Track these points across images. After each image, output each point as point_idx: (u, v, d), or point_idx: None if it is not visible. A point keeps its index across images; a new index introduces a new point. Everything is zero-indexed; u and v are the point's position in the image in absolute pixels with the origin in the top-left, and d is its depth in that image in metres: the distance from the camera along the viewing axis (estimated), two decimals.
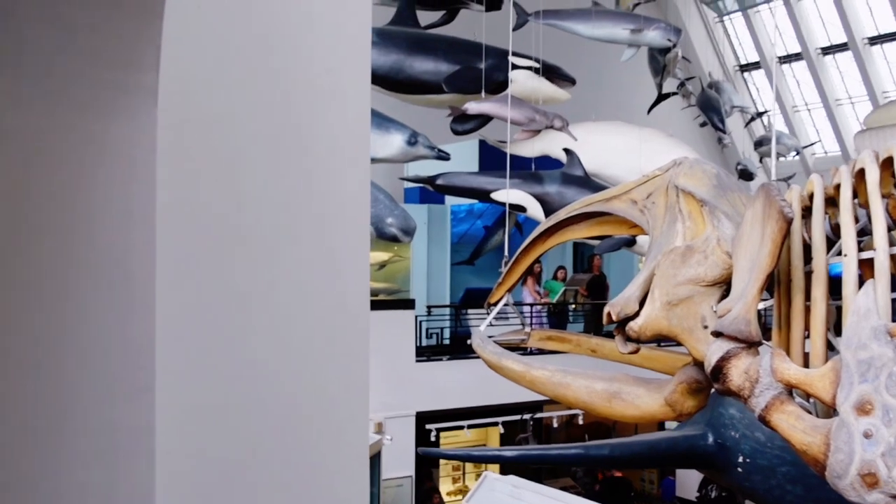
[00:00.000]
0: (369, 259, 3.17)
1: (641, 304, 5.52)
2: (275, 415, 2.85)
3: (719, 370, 4.94)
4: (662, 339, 5.84)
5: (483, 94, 16.80)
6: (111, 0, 2.52)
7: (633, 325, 5.49)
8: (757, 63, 34.10)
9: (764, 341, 5.03)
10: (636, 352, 5.76)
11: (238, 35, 2.87)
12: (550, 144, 18.26)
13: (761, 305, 5.11)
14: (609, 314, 5.58)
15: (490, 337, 7.04)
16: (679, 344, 5.52)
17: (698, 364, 5.35)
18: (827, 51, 31.73)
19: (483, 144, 20.79)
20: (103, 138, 2.62)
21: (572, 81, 18.46)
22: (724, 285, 5.36)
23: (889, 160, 4.92)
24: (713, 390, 5.36)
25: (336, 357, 2.99)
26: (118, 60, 2.58)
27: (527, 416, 19.30)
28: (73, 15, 2.51)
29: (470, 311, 19.87)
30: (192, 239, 2.74)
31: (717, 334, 5.00)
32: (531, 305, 20.93)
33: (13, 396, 2.58)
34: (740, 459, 8.90)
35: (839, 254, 4.96)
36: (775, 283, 5.23)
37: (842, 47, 31.00)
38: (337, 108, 3.08)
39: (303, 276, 2.93)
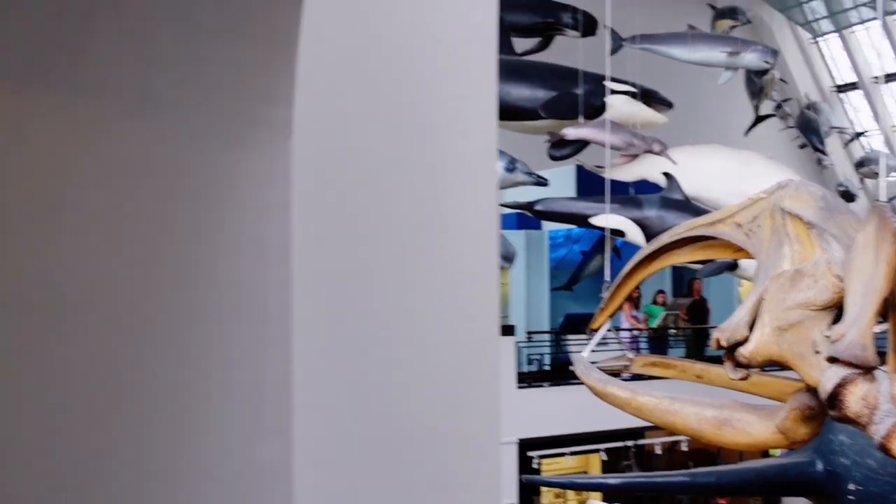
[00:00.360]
0: (498, 287, 3.16)
1: (751, 329, 5.47)
2: (409, 453, 2.84)
3: (836, 397, 4.86)
4: (771, 365, 5.77)
5: (580, 119, 16.79)
6: (247, 34, 2.56)
7: (744, 351, 5.43)
8: (853, 83, 33.55)
9: (879, 366, 4.95)
10: (746, 378, 5.70)
11: (368, 67, 2.92)
12: (649, 168, 18.15)
13: (876, 329, 5.02)
14: (717, 340, 5.53)
15: (592, 363, 7.01)
16: (788, 369, 5.46)
17: (811, 390, 5.28)
18: None
19: (580, 169, 20.77)
20: (238, 171, 2.67)
21: (669, 105, 18.36)
22: (835, 310, 5.29)
23: None
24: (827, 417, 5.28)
25: (468, 387, 2.99)
26: (253, 93, 2.64)
27: (630, 443, 19.13)
28: (209, 49, 2.57)
29: (570, 336, 19.78)
30: (327, 272, 2.77)
31: (832, 360, 4.92)
32: (630, 330, 20.79)
33: (151, 437, 2.65)
34: (851, 487, 8.71)
35: None
36: (890, 307, 5.14)
37: None
38: (464, 135, 3.13)
39: (436, 308, 2.96)
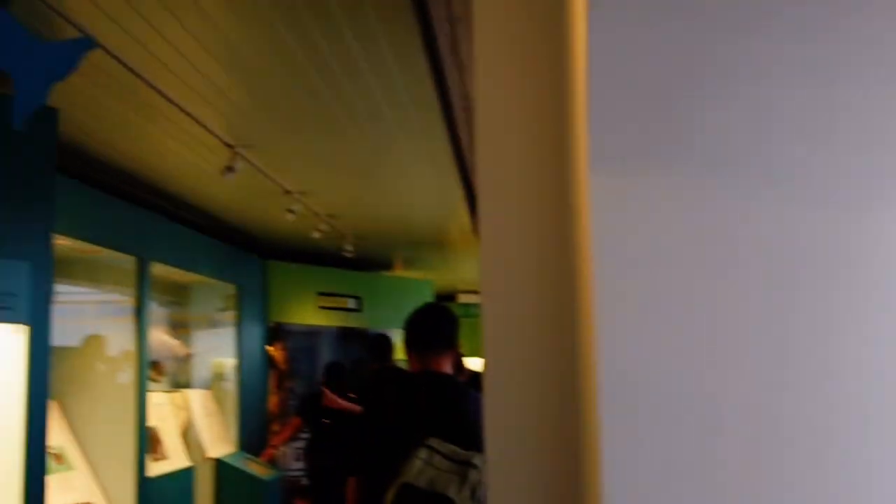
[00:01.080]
0: None
1: None
2: None
3: None
4: None
5: None
6: (874, 77, 2.20)
7: None
8: None
9: None
10: None
11: None
12: None
13: None
14: None
15: None
16: None
17: None
18: None
19: None
20: (872, 238, 2.26)
21: None
22: None
23: None
24: None
25: None
26: (882, 147, 2.25)
27: None
28: (833, 102, 2.24)
29: None
30: None
31: None
32: None
33: None
34: None
35: None
36: None
37: None
38: None
39: None
